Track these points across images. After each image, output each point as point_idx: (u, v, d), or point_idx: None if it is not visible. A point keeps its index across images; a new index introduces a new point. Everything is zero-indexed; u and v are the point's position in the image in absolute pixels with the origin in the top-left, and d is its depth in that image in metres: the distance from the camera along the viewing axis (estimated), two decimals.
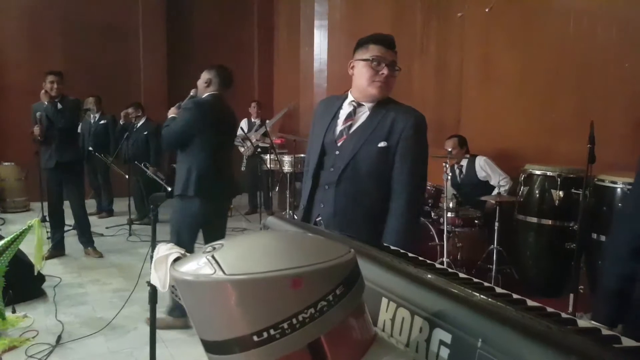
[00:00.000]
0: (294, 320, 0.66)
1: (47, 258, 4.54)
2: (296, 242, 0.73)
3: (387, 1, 6.12)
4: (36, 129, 4.58)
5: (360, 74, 1.94)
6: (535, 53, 4.31)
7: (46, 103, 4.57)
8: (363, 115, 1.98)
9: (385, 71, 1.90)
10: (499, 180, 4.15)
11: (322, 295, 0.67)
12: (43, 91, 4.58)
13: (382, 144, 1.91)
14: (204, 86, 3.28)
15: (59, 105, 4.60)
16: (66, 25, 7.50)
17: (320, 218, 2.01)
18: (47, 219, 4.84)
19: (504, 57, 4.69)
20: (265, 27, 8.92)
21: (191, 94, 3.33)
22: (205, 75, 3.29)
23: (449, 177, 4.40)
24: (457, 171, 4.45)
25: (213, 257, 0.68)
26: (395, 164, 1.92)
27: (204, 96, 3.27)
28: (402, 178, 1.92)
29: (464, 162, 4.42)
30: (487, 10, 4.72)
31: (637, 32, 3.60)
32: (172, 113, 3.27)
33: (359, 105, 1.99)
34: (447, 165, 3.85)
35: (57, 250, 4.76)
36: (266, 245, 0.71)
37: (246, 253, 0.69)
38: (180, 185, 3.17)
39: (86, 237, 4.89)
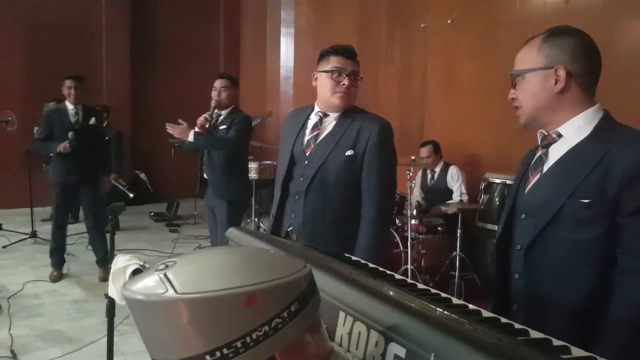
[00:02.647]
0: (248, 339, 0.65)
1: (56, 280, 4.28)
2: (250, 259, 0.73)
3: (352, 10, 6.20)
4: (66, 146, 4.08)
5: (323, 85, 1.98)
6: (496, 63, 4.43)
7: (72, 108, 4.22)
8: (329, 125, 2.02)
9: (346, 82, 1.94)
10: (460, 194, 4.27)
11: (276, 313, 0.67)
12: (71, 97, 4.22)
13: (349, 153, 1.95)
14: (232, 100, 3.65)
15: (92, 120, 4.27)
16: (27, 27, 7.25)
17: (291, 228, 2.03)
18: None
19: (466, 67, 4.82)
20: (232, 33, 8.87)
21: (214, 104, 3.59)
22: (233, 91, 3.65)
23: (420, 179, 4.53)
24: (430, 175, 4.57)
25: (165, 275, 0.66)
26: (363, 172, 1.96)
27: (240, 112, 3.65)
28: (371, 185, 1.95)
29: (438, 169, 4.53)
30: (449, 21, 4.85)
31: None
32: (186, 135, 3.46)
33: (325, 115, 2.03)
34: (411, 173, 3.92)
35: (59, 268, 4.43)
36: (220, 262, 0.70)
37: (199, 271, 0.68)
38: (234, 191, 3.53)
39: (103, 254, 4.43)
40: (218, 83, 3.61)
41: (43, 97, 6.65)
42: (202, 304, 0.64)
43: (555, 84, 1.27)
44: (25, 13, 7.24)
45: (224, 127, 3.58)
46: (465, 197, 4.26)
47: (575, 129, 1.28)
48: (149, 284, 0.66)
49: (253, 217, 6.02)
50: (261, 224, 5.89)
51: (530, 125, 1.37)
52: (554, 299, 1.26)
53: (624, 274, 1.17)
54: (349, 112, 2.01)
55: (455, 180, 4.38)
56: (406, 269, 3.79)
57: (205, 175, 3.66)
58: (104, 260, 4.36)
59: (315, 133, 2.03)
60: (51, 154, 5.51)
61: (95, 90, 7.69)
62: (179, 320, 0.64)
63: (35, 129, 6.49)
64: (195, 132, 3.47)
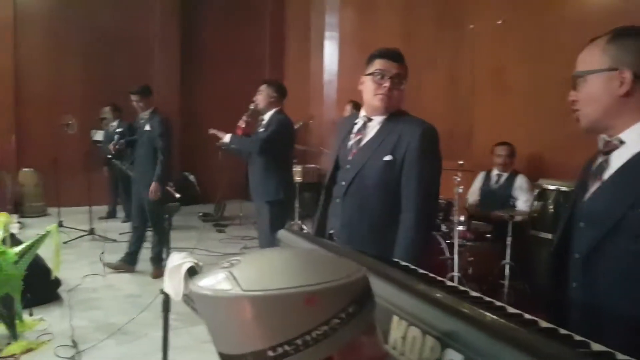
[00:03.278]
0: (308, 337, 0.67)
1: (115, 269, 4.60)
2: (310, 260, 0.75)
3: (398, 13, 6.16)
4: (111, 146, 4.79)
5: (366, 88, 1.99)
6: (549, 65, 4.30)
7: (141, 115, 4.64)
8: (373, 129, 2.01)
9: (387, 84, 1.93)
10: (528, 205, 4.07)
11: (334, 313, 0.69)
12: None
13: (387, 158, 1.93)
14: (270, 101, 3.72)
15: (147, 126, 4.53)
16: (86, 36, 7.66)
17: (332, 231, 2.05)
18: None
19: (517, 70, 4.69)
20: (276, 38, 9.03)
21: (252, 107, 3.78)
22: (268, 91, 3.72)
23: (481, 180, 4.45)
24: (495, 179, 4.40)
25: (231, 273, 0.70)
26: (402, 177, 1.93)
27: (279, 115, 3.71)
28: (410, 191, 1.92)
29: (505, 174, 4.37)
30: (498, 22, 4.74)
31: None
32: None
33: (369, 119, 2.03)
34: (459, 178, 3.83)
35: (127, 262, 4.68)
36: (281, 262, 0.73)
37: (262, 269, 0.71)
38: (271, 192, 3.61)
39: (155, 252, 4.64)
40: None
41: (100, 102, 7.01)
42: (265, 301, 0.67)
43: (620, 86, 1.22)
44: (83, 24, 7.65)
45: (262, 129, 3.68)
46: (527, 206, 4.09)
47: (638, 135, 1.22)
48: (216, 280, 0.70)
49: (296, 219, 6.08)
50: (304, 226, 5.94)
51: (591, 130, 1.32)
52: (613, 310, 1.21)
53: None
54: (393, 116, 1.99)
55: (525, 191, 4.21)
56: (452, 276, 3.72)
57: (250, 177, 3.78)
58: (157, 258, 4.54)
59: (358, 138, 2.03)
60: (108, 155, 5.88)
61: None
62: (244, 316, 0.67)
63: (93, 131, 6.84)
64: (231, 134, 3.68)
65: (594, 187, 1.30)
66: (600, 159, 1.32)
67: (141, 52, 8.10)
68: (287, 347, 0.67)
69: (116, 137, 4.61)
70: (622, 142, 1.26)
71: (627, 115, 1.24)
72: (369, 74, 1.97)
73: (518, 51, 4.67)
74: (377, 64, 1.95)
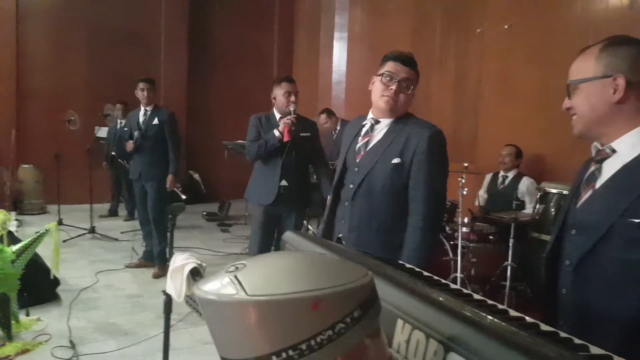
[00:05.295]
0: (312, 342, 0.67)
1: (136, 267, 4.68)
2: (316, 264, 0.75)
3: (407, 15, 6.16)
4: (130, 145, 4.52)
5: (375, 88, 2.00)
6: (554, 69, 4.29)
7: (143, 109, 4.55)
8: (380, 131, 2.01)
9: (394, 87, 1.93)
10: (533, 208, 4.12)
11: (340, 318, 0.68)
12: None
13: (395, 161, 1.93)
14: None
15: (155, 120, 4.48)
16: (90, 31, 7.65)
17: (341, 235, 2.04)
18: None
19: (523, 73, 4.69)
20: (285, 37, 9.04)
21: (293, 108, 3.37)
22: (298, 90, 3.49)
23: (488, 182, 4.53)
24: (500, 180, 4.49)
25: (236, 277, 0.69)
26: (410, 181, 1.93)
27: (304, 117, 3.53)
28: (418, 195, 1.92)
29: (510, 174, 4.44)
30: (506, 27, 4.74)
31: None
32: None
33: (377, 122, 2.02)
34: (463, 180, 3.84)
35: (147, 260, 4.74)
36: (287, 266, 0.73)
37: (268, 274, 0.71)
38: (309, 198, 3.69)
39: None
40: (292, 87, 3.38)
41: (104, 98, 7.01)
42: (270, 306, 0.66)
43: (614, 93, 1.23)
44: (88, 18, 7.63)
45: (307, 134, 3.52)
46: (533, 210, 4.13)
47: (630, 145, 1.24)
48: (220, 285, 0.69)
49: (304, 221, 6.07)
50: (310, 227, 5.93)
51: (584, 136, 1.33)
52: (603, 317, 1.22)
53: None
54: (401, 119, 2.00)
55: (531, 194, 4.24)
56: (455, 277, 3.72)
57: (283, 183, 3.44)
58: (160, 256, 4.54)
59: (366, 140, 2.03)
60: (112, 153, 5.87)
61: None
62: (248, 321, 0.67)
63: (96, 128, 6.84)
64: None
65: (586, 195, 1.32)
66: (592, 167, 1.33)
67: (147, 48, 8.08)
68: (291, 352, 0.67)
69: (136, 133, 4.51)
70: (614, 151, 1.27)
71: (619, 123, 1.26)
72: (379, 75, 1.98)
73: (525, 55, 4.67)
74: (388, 66, 1.96)
